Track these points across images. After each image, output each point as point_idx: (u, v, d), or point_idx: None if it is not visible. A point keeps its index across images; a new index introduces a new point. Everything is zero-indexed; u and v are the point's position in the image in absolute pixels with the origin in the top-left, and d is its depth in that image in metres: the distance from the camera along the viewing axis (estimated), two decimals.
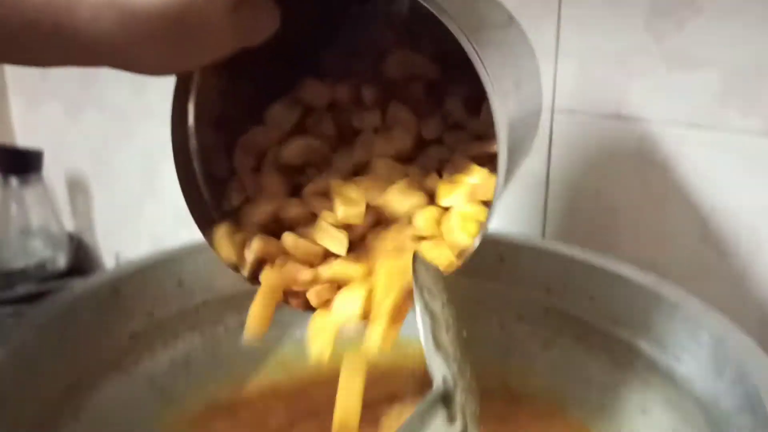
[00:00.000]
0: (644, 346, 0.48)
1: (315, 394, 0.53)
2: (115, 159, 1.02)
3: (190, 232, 0.57)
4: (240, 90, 0.43)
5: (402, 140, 0.42)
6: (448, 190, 0.39)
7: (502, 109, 0.35)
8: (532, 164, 0.66)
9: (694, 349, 0.44)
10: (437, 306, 0.35)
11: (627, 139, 0.62)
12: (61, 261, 0.97)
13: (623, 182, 0.63)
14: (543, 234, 0.66)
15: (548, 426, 0.50)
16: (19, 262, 0.94)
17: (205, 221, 0.42)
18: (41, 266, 0.94)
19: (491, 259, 0.57)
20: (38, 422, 0.42)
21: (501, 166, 0.35)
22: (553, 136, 0.65)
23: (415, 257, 0.36)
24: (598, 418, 0.50)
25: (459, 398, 0.32)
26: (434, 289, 0.35)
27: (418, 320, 0.34)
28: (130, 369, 0.50)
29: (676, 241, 0.61)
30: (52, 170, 1.01)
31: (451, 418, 0.31)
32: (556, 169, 0.66)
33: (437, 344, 0.33)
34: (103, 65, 0.30)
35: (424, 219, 0.39)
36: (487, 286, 0.57)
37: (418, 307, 0.33)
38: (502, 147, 0.34)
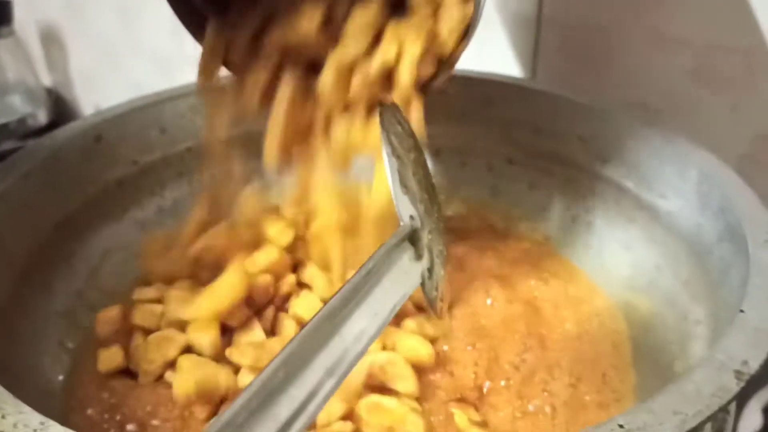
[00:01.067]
0: (631, 185, 0.48)
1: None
2: (88, 6, 0.97)
3: (171, 81, 0.56)
4: None
5: None
6: None
7: None
8: (523, 3, 0.63)
9: (680, 185, 0.44)
10: (404, 149, 0.35)
11: None
12: (42, 116, 0.95)
13: (615, 20, 0.61)
14: (533, 75, 0.65)
15: (536, 261, 0.51)
16: None
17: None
18: (22, 122, 0.93)
19: (479, 101, 0.56)
20: (32, 265, 0.43)
21: None
22: None
23: (383, 106, 0.36)
24: (583, 255, 0.52)
25: (425, 237, 0.32)
26: (402, 134, 0.35)
27: (385, 163, 0.35)
28: (119, 215, 0.51)
29: (667, 80, 0.60)
30: (23, 22, 0.97)
31: (417, 257, 0.32)
32: (547, 8, 0.63)
33: (404, 186, 0.34)
34: None
35: None
36: (475, 130, 0.56)
37: (385, 152, 0.34)
38: None
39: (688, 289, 0.42)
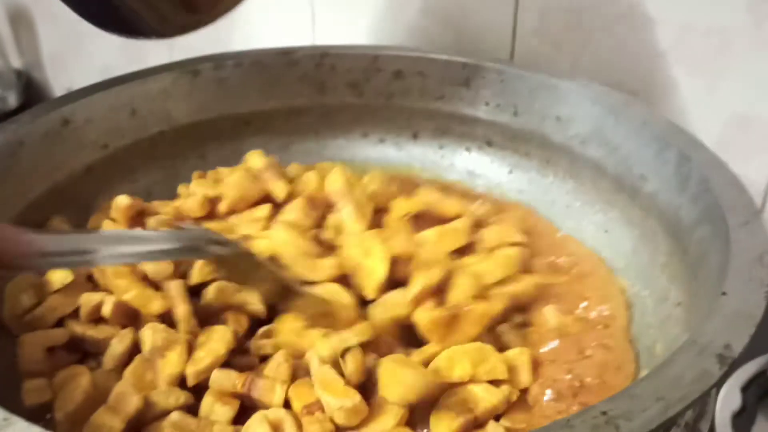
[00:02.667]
0: (610, 166, 0.48)
1: None
2: None
3: (142, 63, 0.55)
4: None
5: None
6: None
7: None
8: None
9: (660, 166, 0.43)
10: None
11: None
12: (12, 99, 0.93)
13: (591, 2, 0.60)
14: (511, 57, 0.64)
15: None
16: None
17: None
18: None
19: (457, 83, 0.55)
20: None
21: None
22: None
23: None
24: None
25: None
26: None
27: None
28: (89, 203, 0.49)
29: (643, 61, 0.60)
30: None
31: None
32: None
33: None
34: None
35: None
36: (454, 111, 0.56)
37: None
38: None
39: (666, 272, 0.42)
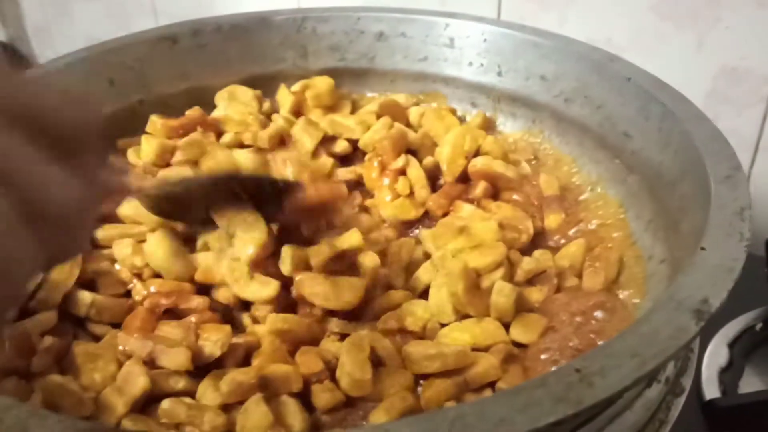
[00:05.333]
0: (595, 124, 0.47)
1: None
2: None
3: (127, 32, 0.54)
4: None
5: None
6: None
7: None
8: None
9: (643, 122, 0.43)
10: None
11: None
12: None
13: None
14: (497, 15, 0.63)
15: None
16: None
17: None
18: None
19: (441, 43, 0.54)
20: None
21: None
22: None
23: None
24: None
25: None
26: None
27: None
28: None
29: (631, 16, 0.59)
30: None
31: None
32: None
33: None
34: None
35: None
36: (438, 72, 0.55)
37: None
38: None
39: (650, 229, 0.42)
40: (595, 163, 0.48)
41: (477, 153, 0.48)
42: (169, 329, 0.37)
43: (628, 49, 0.59)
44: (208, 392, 0.34)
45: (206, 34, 0.54)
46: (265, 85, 0.55)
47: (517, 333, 0.38)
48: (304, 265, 0.39)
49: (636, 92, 0.44)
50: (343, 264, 0.40)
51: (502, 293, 0.38)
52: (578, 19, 0.61)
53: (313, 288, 0.38)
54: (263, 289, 0.39)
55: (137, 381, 0.34)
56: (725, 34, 0.58)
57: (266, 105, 0.54)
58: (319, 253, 0.39)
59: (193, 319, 0.39)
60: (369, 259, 0.40)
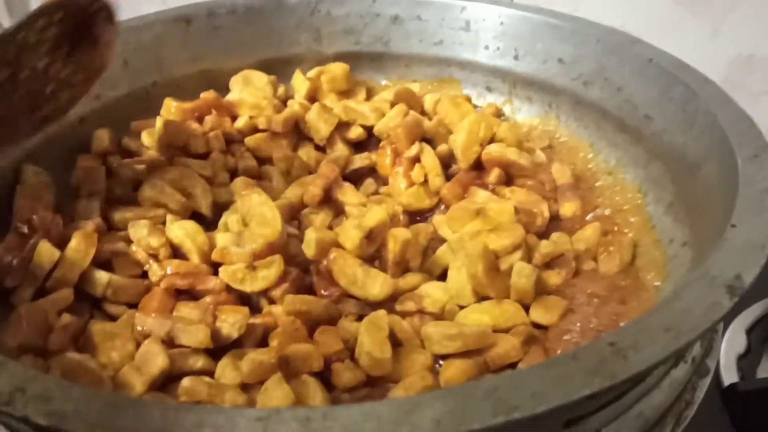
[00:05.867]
0: (614, 107, 0.47)
1: None
2: None
3: (136, 13, 0.53)
4: None
5: None
6: None
7: None
8: None
9: (666, 104, 0.42)
10: None
11: None
12: None
13: None
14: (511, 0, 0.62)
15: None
16: None
17: None
18: None
19: (457, 26, 0.54)
20: None
21: None
22: None
23: None
24: None
25: None
26: None
27: None
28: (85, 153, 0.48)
29: (648, 1, 0.59)
30: None
31: None
32: None
33: None
34: None
35: None
36: (453, 56, 0.55)
37: None
38: None
39: (671, 213, 0.41)
40: (613, 147, 0.47)
41: (491, 140, 0.48)
42: (187, 310, 0.37)
43: (642, 35, 0.58)
44: (227, 371, 0.34)
45: (220, 16, 0.53)
46: (279, 68, 0.55)
47: (538, 315, 0.38)
48: (328, 249, 0.39)
49: (658, 73, 0.43)
50: (373, 245, 0.40)
51: (522, 274, 0.38)
52: (591, 4, 0.60)
53: (345, 269, 0.38)
54: (263, 281, 0.38)
55: (156, 359, 0.34)
56: (741, 22, 0.57)
57: (281, 90, 0.54)
58: (349, 238, 0.39)
59: (208, 299, 0.38)
60: (401, 233, 0.40)
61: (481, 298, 0.38)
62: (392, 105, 0.51)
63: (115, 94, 0.50)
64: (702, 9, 0.58)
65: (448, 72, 0.55)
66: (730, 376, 0.44)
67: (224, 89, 0.53)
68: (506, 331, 0.37)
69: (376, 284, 0.38)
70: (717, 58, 0.59)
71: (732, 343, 0.47)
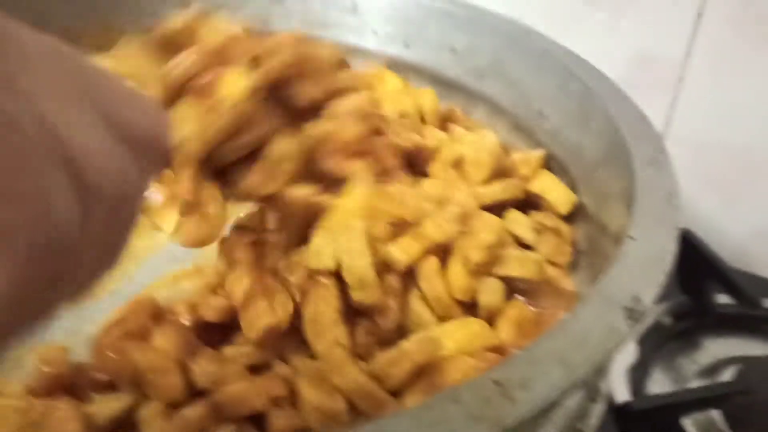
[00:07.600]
0: (508, 103, 0.44)
1: None
2: None
3: None
4: None
5: None
6: None
7: None
8: None
9: (562, 100, 0.39)
10: None
11: None
12: None
13: None
14: None
15: None
16: None
17: None
18: None
19: (343, 7, 0.49)
20: None
21: None
22: None
23: None
24: None
25: None
26: None
27: None
28: None
29: None
30: None
31: None
32: None
33: None
34: None
35: None
36: (339, 41, 0.50)
37: None
38: None
39: (568, 216, 0.38)
40: (507, 144, 0.44)
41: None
42: None
43: (540, 28, 0.56)
44: None
45: None
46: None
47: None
48: None
49: (554, 67, 0.40)
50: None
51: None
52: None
53: None
54: None
55: None
56: (639, 16, 0.56)
57: None
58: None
59: None
60: None
61: None
62: None
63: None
64: (602, 3, 0.56)
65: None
66: (621, 392, 0.42)
67: None
68: None
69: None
70: (615, 54, 0.57)
71: (623, 355, 0.45)
